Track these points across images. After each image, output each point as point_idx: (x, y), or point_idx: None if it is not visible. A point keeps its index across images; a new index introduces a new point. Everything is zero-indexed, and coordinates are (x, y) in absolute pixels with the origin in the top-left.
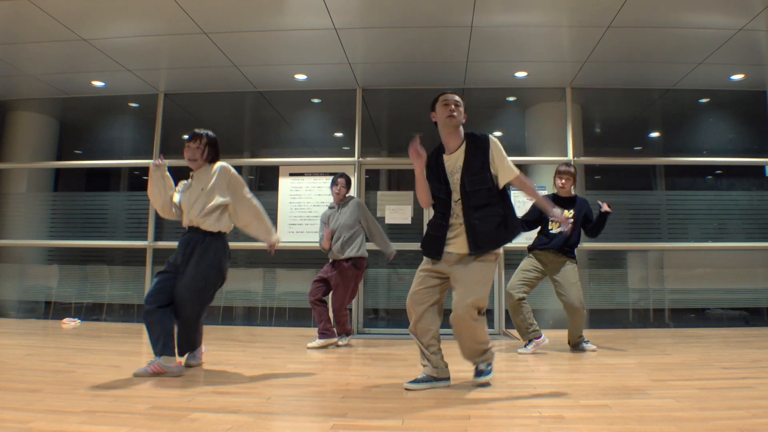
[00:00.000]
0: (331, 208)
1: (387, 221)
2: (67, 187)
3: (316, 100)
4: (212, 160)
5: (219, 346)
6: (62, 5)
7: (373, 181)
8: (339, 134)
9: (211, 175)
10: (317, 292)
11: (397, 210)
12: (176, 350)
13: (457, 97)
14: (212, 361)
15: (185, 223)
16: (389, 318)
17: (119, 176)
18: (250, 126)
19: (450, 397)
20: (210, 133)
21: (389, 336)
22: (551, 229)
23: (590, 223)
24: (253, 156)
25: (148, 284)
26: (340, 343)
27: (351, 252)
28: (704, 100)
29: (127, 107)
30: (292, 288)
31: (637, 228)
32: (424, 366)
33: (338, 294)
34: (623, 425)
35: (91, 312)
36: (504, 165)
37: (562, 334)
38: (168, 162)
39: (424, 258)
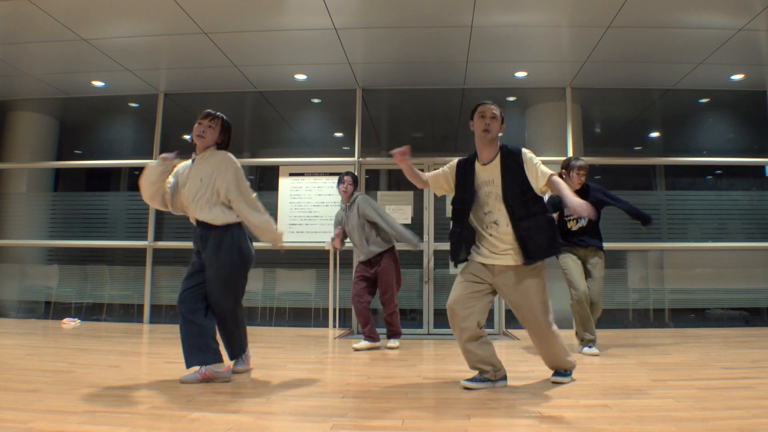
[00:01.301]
0: (343, 209)
1: None
2: (67, 187)
3: (316, 100)
4: (222, 145)
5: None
6: (62, 5)
7: (373, 181)
8: (339, 134)
9: (217, 162)
10: (363, 294)
11: (397, 210)
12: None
13: (495, 110)
14: None
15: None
16: None
17: (119, 176)
18: (250, 126)
19: (450, 397)
20: (226, 117)
21: None
22: (571, 228)
23: (610, 202)
24: (253, 156)
25: (149, 284)
26: (390, 345)
27: (376, 248)
28: (704, 100)
29: (127, 107)
30: (292, 288)
31: (637, 228)
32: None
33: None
34: (623, 425)
35: (91, 312)
36: (537, 172)
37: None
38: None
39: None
